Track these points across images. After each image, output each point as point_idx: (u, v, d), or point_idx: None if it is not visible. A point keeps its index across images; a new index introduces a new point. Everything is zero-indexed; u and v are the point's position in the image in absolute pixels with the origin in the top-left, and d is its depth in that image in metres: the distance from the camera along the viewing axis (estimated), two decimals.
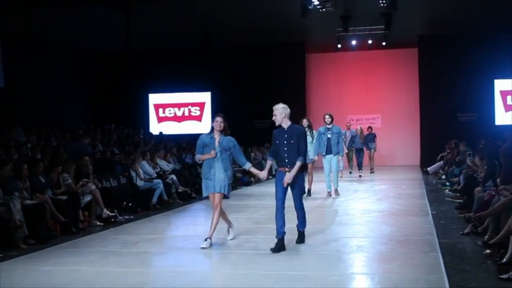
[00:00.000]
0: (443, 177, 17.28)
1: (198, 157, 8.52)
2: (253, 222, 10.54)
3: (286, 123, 8.12)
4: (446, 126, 23.07)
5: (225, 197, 8.42)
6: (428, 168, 20.71)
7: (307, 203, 12.93)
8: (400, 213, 11.55)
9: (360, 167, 20.99)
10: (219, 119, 8.38)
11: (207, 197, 8.56)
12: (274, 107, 8.17)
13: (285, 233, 7.88)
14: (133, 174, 13.20)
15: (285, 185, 7.90)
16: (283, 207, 7.94)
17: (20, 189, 9.42)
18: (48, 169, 10.69)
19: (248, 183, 18.10)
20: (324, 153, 14.03)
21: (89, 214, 10.89)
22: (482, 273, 6.63)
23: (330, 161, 14.08)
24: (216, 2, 19.54)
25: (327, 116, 14.14)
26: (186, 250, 7.54)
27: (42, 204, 9.51)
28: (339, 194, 14.23)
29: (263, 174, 8.48)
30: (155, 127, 25.42)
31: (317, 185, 15.05)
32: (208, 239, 8.18)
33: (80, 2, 18.45)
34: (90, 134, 16.48)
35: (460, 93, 23.12)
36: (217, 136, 8.36)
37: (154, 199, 13.21)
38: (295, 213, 8.30)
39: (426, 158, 22.94)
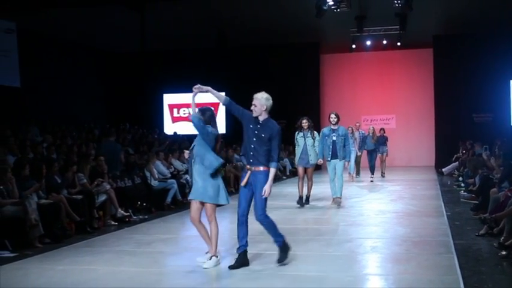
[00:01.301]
0: (460, 178, 17.16)
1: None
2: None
3: (263, 116, 6.98)
4: (461, 126, 22.93)
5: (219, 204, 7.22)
6: (443, 169, 20.62)
7: (315, 206, 12.99)
8: (414, 214, 11.50)
9: (372, 170, 19.16)
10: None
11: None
12: (255, 95, 7.07)
13: (247, 245, 7.06)
14: (147, 174, 13.24)
15: (265, 195, 6.84)
16: (243, 216, 7.00)
17: (36, 188, 9.47)
18: (63, 169, 10.75)
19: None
20: (329, 158, 12.57)
21: (103, 214, 10.94)
22: (497, 275, 6.58)
23: (335, 166, 12.59)
24: (231, 2, 19.58)
25: (332, 115, 12.57)
26: (200, 250, 7.54)
27: (57, 203, 9.57)
28: (340, 204, 12.56)
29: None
30: (170, 127, 25.50)
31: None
32: (213, 257, 7.13)
33: (96, 2, 18.56)
34: (116, 133, 16.42)
35: (475, 94, 22.97)
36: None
37: (169, 199, 13.23)
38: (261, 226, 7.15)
39: (441, 159, 22.83)
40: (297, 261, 7.31)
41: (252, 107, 6.99)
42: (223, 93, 6.91)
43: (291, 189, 15.53)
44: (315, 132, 12.84)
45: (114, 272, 7.13)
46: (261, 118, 6.97)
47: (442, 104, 23.72)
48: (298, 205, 12.66)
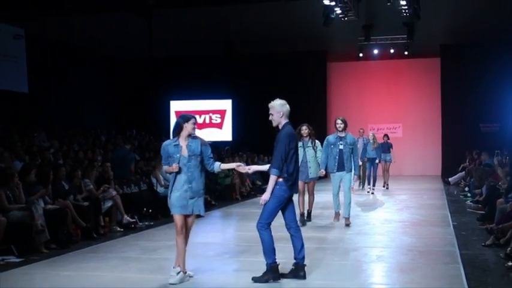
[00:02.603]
0: (466, 188, 17.11)
1: (164, 169, 7.11)
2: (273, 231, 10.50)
3: (282, 124, 6.77)
4: (468, 136, 22.85)
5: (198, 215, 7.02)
6: (450, 179, 20.56)
7: (322, 214, 12.95)
8: (420, 223, 11.47)
9: (370, 181, 17.69)
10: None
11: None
12: (269, 105, 6.83)
13: (303, 258, 6.84)
14: (154, 180, 13.26)
15: (261, 203, 6.68)
16: (287, 229, 6.88)
17: (42, 193, 9.50)
18: (70, 174, 10.78)
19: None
20: (335, 170, 10.89)
21: (109, 220, 10.95)
22: (504, 286, 6.57)
23: (341, 180, 10.98)
24: (239, 10, 19.60)
25: (338, 121, 10.88)
26: (205, 257, 7.55)
27: (63, 209, 9.60)
28: (349, 224, 10.99)
29: (236, 164, 7.26)
30: None
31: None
32: (180, 272, 6.82)
33: (105, 9, 18.62)
34: (131, 141, 16.49)
35: (482, 103, 22.91)
36: (183, 142, 6.93)
37: None
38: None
39: (448, 168, 22.74)
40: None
41: (270, 117, 6.79)
42: (272, 178, 6.58)
43: (295, 197, 15.48)
44: (317, 141, 11.17)
45: (119, 278, 7.13)
46: (280, 126, 6.77)
47: (449, 113, 23.66)
48: (300, 223, 10.41)
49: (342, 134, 10.92)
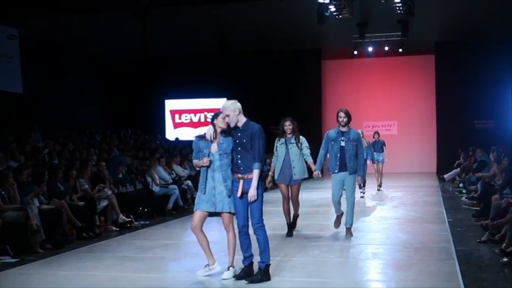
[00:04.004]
0: (461, 185, 17.16)
1: (195, 163, 6.99)
2: (269, 229, 10.48)
3: (241, 121, 6.73)
4: (463, 133, 22.89)
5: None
6: (445, 176, 20.60)
7: (318, 212, 12.97)
8: (416, 220, 11.50)
9: (360, 184, 15.12)
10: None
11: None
12: (222, 108, 6.77)
13: (252, 256, 6.81)
14: (149, 179, 13.26)
15: (251, 200, 6.58)
16: (245, 226, 6.73)
17: (37, 193, 9.47)
18: (65, 174, 10.76)
19: (264, 190, 17.93)
20: (336, 170, 9.42)
21: (105, 219, 10.95)
22: (499, 282, 6.58)
23: (343, 182, 9.42)
24: (233, 8, 19.59)
25: (341, 114, 9.41)
26: (201, 256, 7.52)
27: (59, 209, 9.59)
28: (351, 235, 9.59)
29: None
30: (171, 133, 25.50)
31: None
32: (231, 267, 6.86)
33: (99, 8, 18.58)
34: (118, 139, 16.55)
35: (477, 100, 22.95)
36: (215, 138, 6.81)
37: (170, 205, 13.24)
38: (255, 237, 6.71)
39: (443, 165, 22.78)
40: (298, 268, 7.31)
41: (226, 120, 6.68)
42: (256, 172, 6.55)
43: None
44: (301, 137, 9.81)
45: (115, 277, 7.13)
46: (240, 124, 6.72)
47: (444, 110, 23.69)
48: (288, 235, 9.71)
49: (345, 129, 9.43)
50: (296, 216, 10.01)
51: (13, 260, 8.20)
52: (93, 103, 24.06)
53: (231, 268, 6.82)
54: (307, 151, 9.75)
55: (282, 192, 9.78)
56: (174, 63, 24.92)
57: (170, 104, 26.27)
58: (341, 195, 9.57)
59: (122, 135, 20.38)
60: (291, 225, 9.85)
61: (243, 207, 6.68)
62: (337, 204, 9.59)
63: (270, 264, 6.69)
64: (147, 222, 11.88)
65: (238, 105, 6.75)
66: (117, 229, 10.98)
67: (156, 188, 13.21)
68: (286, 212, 9.82)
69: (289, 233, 9.70)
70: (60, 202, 9.83)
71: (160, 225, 11.67)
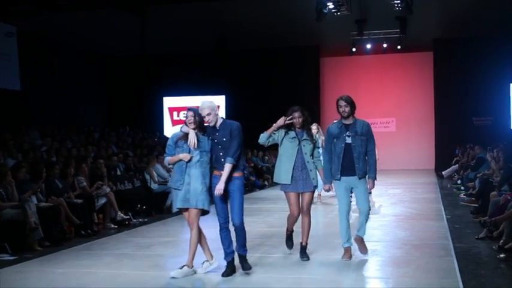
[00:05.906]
0: (459, 181, 17.17)
1: (168, 159, 6.94)
2: (267, 226, 10.52)
3: (219, 121, 6.80)
4: (461, 130, 22.94)
5: (204, 212, 6.86)
6: (443, 172, 20.61)
7: (316, 208, 12.97)
8: (414, 217, 11.50)
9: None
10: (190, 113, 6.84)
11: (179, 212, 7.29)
12: (200, 107, 6.75)
13: (234, 252, 6.85)
14: (147, 177, 13.25)
15: (217, 193, 6.59)
16: (227, 222, 6.79)
17: (34, 190, 9.46)
18: (63, 172, 10.75)
19: (262, 187, 18.05)
20: (339, 175, 7.32)
21: (103, 217, 10.95)
22: (497, 278, 6.58)
23: (350, 189, 7.43)
24: (231, 6, 19.59)
25: (342, 103, 7.21)
26: (199, 253, 7.52)
27: (57, 206, 9.57)
28: (366, 250, 7.64)
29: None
30: (169, 130, 25.50)
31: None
32: (185, 267, 6.82)
33: (97, 6, 18.58)
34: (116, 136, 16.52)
35: (475, 97, 22.98)
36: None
37: (168, 202, 13.22)
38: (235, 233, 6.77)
39: (441, 162, 22.83)
40: (297, 265, 7.31)
41: (207, 119, 6.72)
42: (228, 166, 6.59)
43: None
44: (314, 127, 8.51)
45: (113, 275, 7.13)
46: (217, 124, 6.78)
47: (442, 107, 23.73)
48: (288, 248, 7.91)
49: (349, 121, 7.32)
50: (305, 244, 7.62)
51: (11, 258, 8.19)
52: (91, 100, 24.08)
53: (184, 267, 6.83)
54: (319, 153, 7.99)
55: (291, 204, 7.56)
56: (172, 60, 24.94)
57: (168, 102, 26.29)
58: (350, 208, 7.60)
59: (120, 133, 20.38)
60: (292, 236, 7.91)
61: (223, 204, 6.76)
62: (345, 220, 7.42)
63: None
64: (146, 220, 11.87)
65: (215, 104, 6.90)
66: (116, 227, 10.97)
67: (154, 186, 13.20)
68: (291, 223, 7.78)
69: (288, 246, 7.91)
70: (58, 200, 9.81)
71: (158, 222, 11.66)
